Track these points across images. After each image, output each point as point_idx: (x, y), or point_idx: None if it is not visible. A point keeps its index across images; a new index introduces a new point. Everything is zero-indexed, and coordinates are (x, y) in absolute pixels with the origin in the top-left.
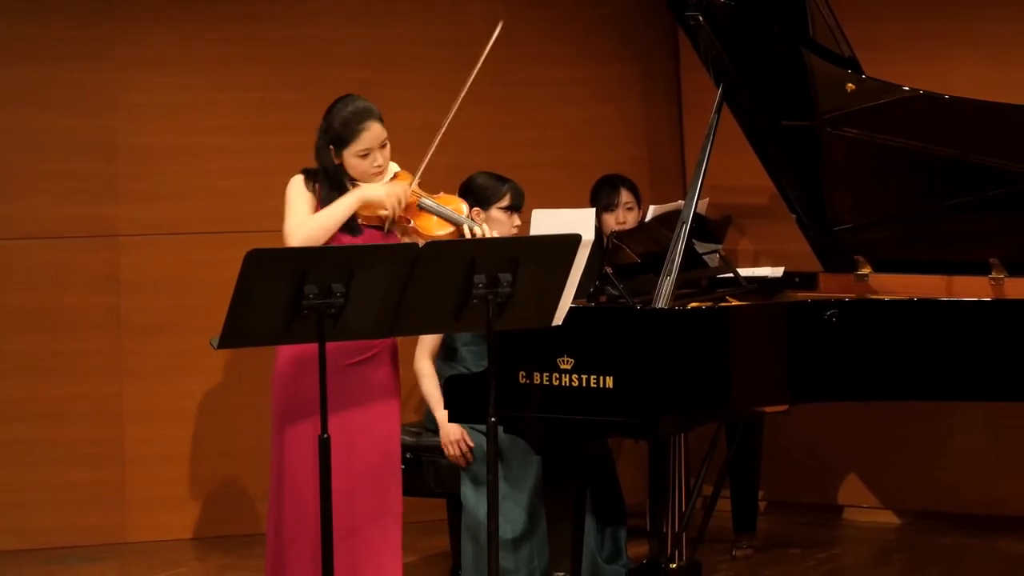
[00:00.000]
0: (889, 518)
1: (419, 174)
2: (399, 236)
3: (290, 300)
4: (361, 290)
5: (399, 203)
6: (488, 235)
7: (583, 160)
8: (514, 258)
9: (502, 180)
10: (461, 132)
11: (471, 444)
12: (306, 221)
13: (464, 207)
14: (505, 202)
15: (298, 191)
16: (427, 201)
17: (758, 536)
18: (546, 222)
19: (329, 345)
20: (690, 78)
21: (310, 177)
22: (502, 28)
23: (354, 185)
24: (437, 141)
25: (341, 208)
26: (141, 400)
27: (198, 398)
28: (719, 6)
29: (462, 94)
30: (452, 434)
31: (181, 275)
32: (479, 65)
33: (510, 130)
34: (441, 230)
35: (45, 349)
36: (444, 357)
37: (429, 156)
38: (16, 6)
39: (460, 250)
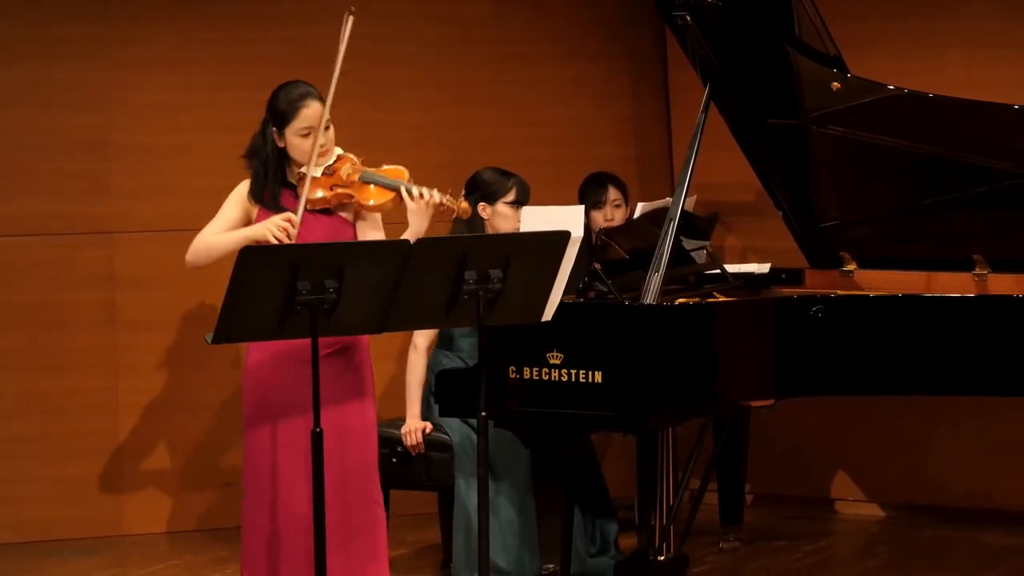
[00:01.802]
0: (874, 511)
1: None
2: (345, 216)
3: (283, 296)
4: (353, 286)
5: (278, 229)
6: (429, 195)
7: (573, 158)
8: (505, 255)
9: (507, 175)
10: (455, 130)
11: (423, 437)
12: (208, 236)
13: (405, 172)
14: (511, 196)
15: (235, 199)
16: (367, 173)
17: (745, 529)
18: (536, 219)
19: (292, 343)
20: (678, 77)
21: (254, 184)
22: (352, 20)
23: (298, 170)
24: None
25: (230, 240)
26: (136, 394)
27: (192, 393)
28: (706, 6)
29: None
30: (412, 424)
31: (176, 271)
32: (339, 59)
33: (501, 128)
34: (380, 199)
35: (41, 344)
36: (442, 346)
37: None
38: (14, 6)
39: (451, 247)
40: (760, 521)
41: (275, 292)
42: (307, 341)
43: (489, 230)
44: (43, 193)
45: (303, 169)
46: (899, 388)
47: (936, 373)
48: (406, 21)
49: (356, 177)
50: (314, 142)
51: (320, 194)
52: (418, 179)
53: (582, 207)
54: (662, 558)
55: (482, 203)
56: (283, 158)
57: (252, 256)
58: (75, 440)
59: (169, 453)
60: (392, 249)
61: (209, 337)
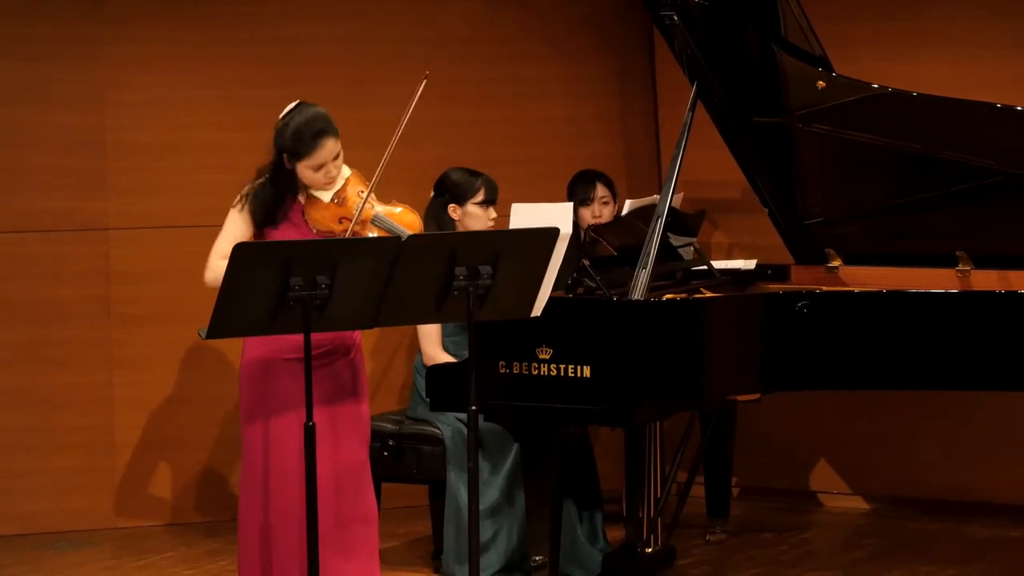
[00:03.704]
0: (859, 503)
1: (373, 184)
2: None
3: (276, 291)
4: (345, 282)
5: None
6: None
7: (561, 155)
8: (494, 251)
9: (475, 175)
10: (444, 128)
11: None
12: (221, 262)
13: (418, 223)
14: (480, 197)
15: (233, 219)
16: (381, 216)
17: (731, 521)
18: (525, 216)
19: (289, 341)
20: (665, 75)
21: (248, 202)
22: (426, 81)
23: (305, 191)
24: (389, 153)
25: None
26: (131, 389)
27: (186, 387)
28: (694, 6)
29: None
30: None
31: (170, 267)
32: (408, 111)
33: (491, 126)
34: None
35: (38, 339)
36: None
37: (381, 168)
38: (9, 5)
39: (442, 243)
40: (746, 514)
41: (268, 288)
42: (295, 342)
43: (459, 230)
44: (39, 190)
45: (312, 191)
46: (883, 383)
47: (920, 368)
48: (395, 20)
49: (368, 216)
50: (324, 174)
51: (330, 225)
52: (410, 177)
53: (570, 204)
54: (649, 550)
55: (452, 204)
56: (293, 178)
57: (245, 252)
58: (70, 434)
59: (163, 447)
60: (383, 246)
61: (203, 332)
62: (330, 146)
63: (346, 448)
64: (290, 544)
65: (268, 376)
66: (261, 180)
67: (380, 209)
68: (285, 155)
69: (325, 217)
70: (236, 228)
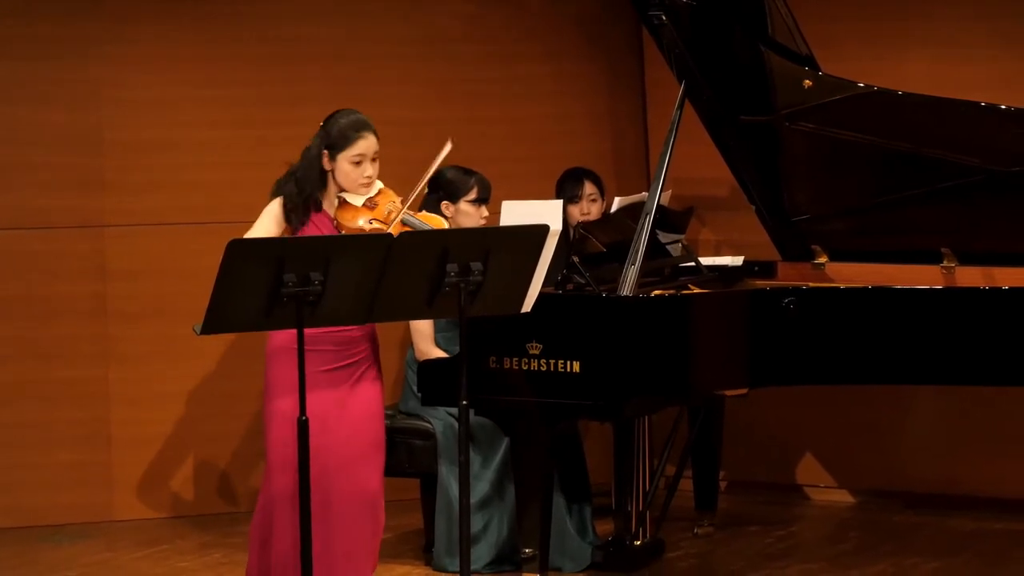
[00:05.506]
0: (845, 497)
1: (408, 203)
2: None
3: (270, 287)
4: (338, 278)
5: None
6: None
7: (551, 153)
8: (485, 248)
9: (469, 173)
10: (436, 127)
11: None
12: None
13: (444, 223)
14: (473, 195)
15: (270, 213)
16: (409, 217)
17: (719, 514)
18: (516, 213)
19: (313, 354)
20: (653, 74)
21: (286, 199)
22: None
23: (339, 194)
24: (426, 179)
25: None
26: (127, 384)
27: (181, 382)
28: (681, 6)
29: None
30: None
31: (165, 263)
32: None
33: (482, 125)
34: None
35: (35, 335)
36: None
37: (418, 190)
38: (8, 5)
39: (433, 240)
40: (734, 507)
41: (262, 284)
42: (319, 354)
43: (452, 227)
44: (36, 187)
45: (343, 195)
46: (869, 378)
47: (905, 363)
48: (390, 21)
49: (396, 218)
50: (362, 171)
51: (359, 223)
52: (405, 174)
53: (560, 201)
54: (638, 543)
55: (445, 202)
56: (323, 181)
57: (240, 249)
58: (67, 428)
59: (158, 441)
60: (375, 242)
61: (198, 328)
62: (371, 140)
63: (365, 438)
64: (286, 529)
65: (288, 365)
66: (289, 172)
67: (411, 216)
68: (326, 151)
69: (355, 216)
70: (266, 223)
